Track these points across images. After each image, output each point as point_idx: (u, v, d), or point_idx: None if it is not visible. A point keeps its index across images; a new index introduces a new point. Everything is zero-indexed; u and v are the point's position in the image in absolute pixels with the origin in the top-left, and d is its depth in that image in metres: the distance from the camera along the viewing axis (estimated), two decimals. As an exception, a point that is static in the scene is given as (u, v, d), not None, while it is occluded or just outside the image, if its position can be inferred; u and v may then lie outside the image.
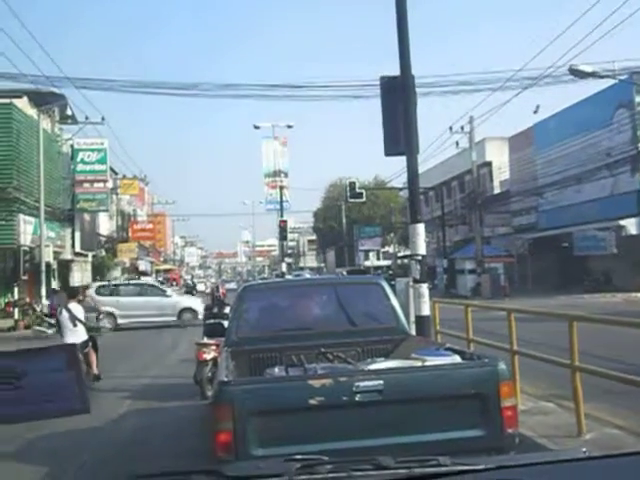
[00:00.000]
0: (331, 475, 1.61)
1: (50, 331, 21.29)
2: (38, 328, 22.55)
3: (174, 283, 64.72)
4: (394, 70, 9.07)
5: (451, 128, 35.62)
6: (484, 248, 36.84)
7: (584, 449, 1.75)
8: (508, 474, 1.60)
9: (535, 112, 32.88)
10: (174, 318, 23.91)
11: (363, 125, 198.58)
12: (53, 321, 20.23)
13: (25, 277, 27.30)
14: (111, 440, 7.55)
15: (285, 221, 43.43)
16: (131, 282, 30.34)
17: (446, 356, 4.98)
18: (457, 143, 36.54)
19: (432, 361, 4.82)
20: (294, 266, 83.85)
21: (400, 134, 8.95)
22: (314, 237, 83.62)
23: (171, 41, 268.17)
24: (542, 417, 7.03)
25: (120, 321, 23.56)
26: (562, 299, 25.58)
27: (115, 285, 27.16)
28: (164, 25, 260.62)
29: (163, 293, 25.81)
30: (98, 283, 28.30)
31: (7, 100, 27.29)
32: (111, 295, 24.84)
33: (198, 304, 24.26)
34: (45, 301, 26.26)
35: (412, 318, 8.63)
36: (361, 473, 1.61)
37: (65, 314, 11.04)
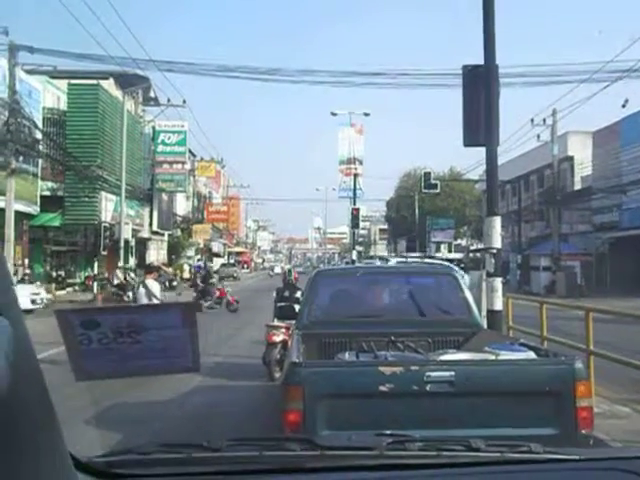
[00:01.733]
0: (421, 453, 1.61)
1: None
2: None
3: (245, 266, 65.96)
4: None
5: (532, 120, 34.66)
6: (561, 245, 35.77)
7: None
8: (605, 465, 1.56)
9: (624, 106, 31.49)
10: None
11: (441, 115, 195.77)
12: None
13: (105, 253, 28.35)
14: (182, 412, 7.80)
15: (358, 209, 43.31)
16: (429, 261, 29.10)
17: (520, 351, 4.87)
18: (538, 136, 35.49)
19: (506, 355, 4.73)
20: (364, 254, 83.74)
21: (480, 125, 8.78)
22: (386, 226, 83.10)
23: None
24: (616, 421, 6.81)
25: None
26: (642, 302, 24.53)
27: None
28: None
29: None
30: (397, 259, 28.01)
31: (94, 81, 28.27)
32: None
33: None
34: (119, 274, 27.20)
35: (484, 312, 8.50)
36: (451, 453, 1.60)
37: (142, 290, 11.38)
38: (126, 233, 29.31)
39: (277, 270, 61.69)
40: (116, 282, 25.39)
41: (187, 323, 1.51)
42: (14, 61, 21.86)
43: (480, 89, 8.81)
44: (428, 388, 4.04)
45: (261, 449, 1.58)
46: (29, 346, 1.03)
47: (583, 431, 4.10)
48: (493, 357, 4.73)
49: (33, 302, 19.86)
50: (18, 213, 22.93)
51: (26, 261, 25.30)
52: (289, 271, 11.86)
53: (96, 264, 29.45)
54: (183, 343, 1.53)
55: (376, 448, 1.60)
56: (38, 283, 25.20)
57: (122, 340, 1.47)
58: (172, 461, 1.56)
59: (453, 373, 4.09)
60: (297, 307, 7.96)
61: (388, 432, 1.75)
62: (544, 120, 34.70)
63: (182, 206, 48.08)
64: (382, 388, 4.05)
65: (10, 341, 0.94)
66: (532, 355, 4.78)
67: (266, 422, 5.89)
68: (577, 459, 1.59)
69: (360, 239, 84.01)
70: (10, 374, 0.92)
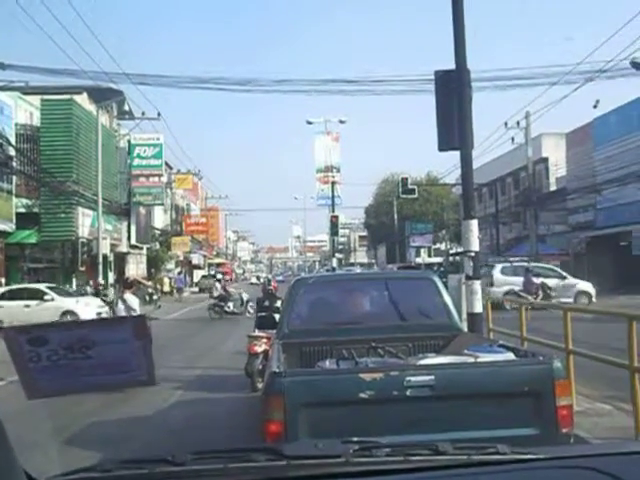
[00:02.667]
0: (388, 458, 1.60)
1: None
2: None
3: (227, 277, 65.64)
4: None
5: (506, 124, 35.03)
6: (539, 246, 36.10)
7: None
8: (569, 463, 1.57)
9: (595, 107, 31.96)
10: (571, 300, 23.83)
11: (416, 120, 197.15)
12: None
13: (83, 268, 28.10)
14: (162, 428, 7.70)
15: (336, 216, 43.31)
16: (535, 264, 28.01)
17: (499, 353, 4.90)
18: (513, 139, 35.92)
19: (485, 357, 4.75)
20: (344, 262, 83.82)
21: (454, 129, 8.84)
22: (365, 233, 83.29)
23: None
24: (598, 419, 6.85)
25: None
26: (622, 299, 24.81)
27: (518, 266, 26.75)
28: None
29: (562, 276, 26.06)
30: (503, 264, 27.45)
31: (68, 96, 28.08)
32: (515, 275, 25.18)
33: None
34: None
35: (464, 315, 8.53)
36: (418, 457, 1.60)
37: (121, 305, 11.28)
38: (104, 248, 29.06)
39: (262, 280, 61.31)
40: (216, 294, 25.25)
41: (139, 336, 1.49)
42: (-15, 78, 21.66)
43: (452, 94, 8.87)
44: (408, 393, 4.04)
45: (226, 461, 1.56)
46: None
47: (564, 430, 4.13)
48: (472, 360, 4.75)
49: (98, 314, 20.28)
50: (-7, 231, 22.65)
51: (2, 280, 24.96)
52: (268, 280, 11.84)
53: (74, 280, 29.12)
54: (137, 357, 1.51)
55: (343, 455, 1.59)
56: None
57: (73, 356, 1.45)
58: (134, 478, 1.52)
59: (433, 377, 4.10)
60: (278, 316, 7.93)
61: (355, 439, 1.74)
62: (518, 123, 35.10)
63: (160, 219, 47.81)
64: (363, 395, 4.04)
65: None
66: (511, 356, 4.81)
67: (249, 434, 5.84)
68: (542, 458, 1.60)
69: (340, 246, 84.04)
70: None
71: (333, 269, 41.28)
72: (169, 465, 1.55)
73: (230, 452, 1.65)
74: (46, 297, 21.22)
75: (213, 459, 1.60)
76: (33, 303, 20.95)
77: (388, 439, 3.85)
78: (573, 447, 2.76)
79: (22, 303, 20.91)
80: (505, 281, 24.97)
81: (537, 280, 24.00)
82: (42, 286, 22.61)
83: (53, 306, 20.55)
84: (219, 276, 29.92)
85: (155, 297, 31.52)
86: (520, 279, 24.39)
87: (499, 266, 26.81)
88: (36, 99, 27.83)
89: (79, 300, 21.75)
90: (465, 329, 7.35)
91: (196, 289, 54.37)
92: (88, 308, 20.66)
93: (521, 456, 1.61)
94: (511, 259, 29.09)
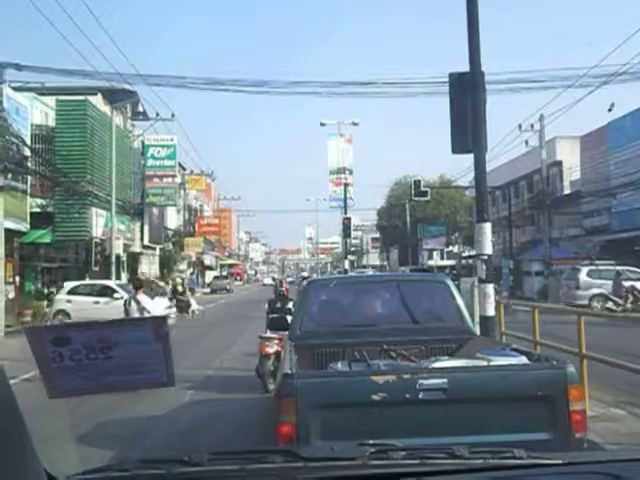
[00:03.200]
0: (404, 461, 1.60)
1: None
2: None
3: (238, 278, 65.92)
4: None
5: (520, 126, 34.85)
6: (552, 250, 35.90)
7: None
8: (586, 469, 1.56)
9: (610, 110, 31.72)
10: None
11: (429, 123, 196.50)
12: None
13: (96, 268, 28.20)
14: (173, 428, 7.73)
15: (349, 218, 43.34)
16: (624, 268, 26.60)
17: (512, 357, 4.87)
18: (526, 142, 35.72)
19: (498, 361, 4.73)
20: (357, 264, 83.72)
21: (468, 132, 8.82)
22: (377, 235, 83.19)
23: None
24: (611, 423, 6.80)
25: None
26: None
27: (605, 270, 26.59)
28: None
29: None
30: (589, 267, 27.16)
31: (82, 97, 28.25)
32: (601, 278, 25.41)
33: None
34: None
35: (477, 318, 8.51)
36: (435, 461, 1.59)
37: (134, 305, 11.32)
38: (117, 248, 29.18)
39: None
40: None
41: (159, 337, 1.50)
42: (1, 79, 21.81)
43: (466, 96, 8.85)
44: (421, 396, 4.02)
45: (243, 462, 1.56)
46: None
47: (577, 435, 4.09)
48: (485, 363, 4.73)
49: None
50: (8, 230, 22.79)
51: (17, 278, 25.13)
52: (280, 282, 11.85)
53: (88, 280, 29.27)
54: (156, 357, 1.52)
55: (359, 458, 1.59)
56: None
57: (94, 356, 1.46)
58: (151, 477, 1.53)
59: (446, 380, 4.08)
60: (289, 318, 7.94)
61: (371, 442, 1.73)
62: (532, 126, 34.91)
63: (173, 220, 47.98)
64: (375, 397, 4.02)
65: None
66: (524, 360, 4.78)
67: (260, 435, 5.85)
68: (559, 463, 1.59)
69: (352, 248, 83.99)
70: None
71: (345, 271, 41.27)
72: (187, 465, 1.55)
73: (247, 453, 1.65)
74: (116, 295, 21.31)
75: (230, 460, 1.60)
76: (102, 300, 21.15)
77: (400, 442, 3.84)
78: (590, 453, 2.76)
79: (92, 299, 21.20)
80: (592, 284, 25.23)
81: (627, 283, 24.00)
82: (112, 283, 22.78)
83: (122, 304, 20.56)
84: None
85: (167, 297, 31.60)
86: (606, 282, 24.48)
87: (585, 269, 26.91)
88: (51, 100, 28.00)
89: None
90: (478, 332, 7.32)
91: (208, 290, 54.54)
92: (156, 307, 20.58)
93: (538, 461, 1.60)
94: (597, 262, 28.98)
